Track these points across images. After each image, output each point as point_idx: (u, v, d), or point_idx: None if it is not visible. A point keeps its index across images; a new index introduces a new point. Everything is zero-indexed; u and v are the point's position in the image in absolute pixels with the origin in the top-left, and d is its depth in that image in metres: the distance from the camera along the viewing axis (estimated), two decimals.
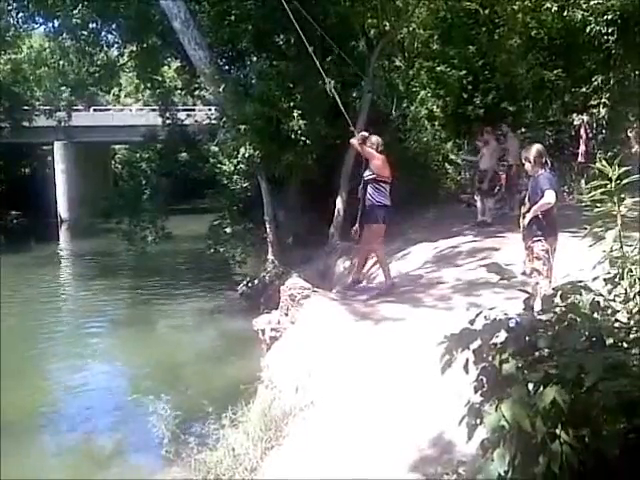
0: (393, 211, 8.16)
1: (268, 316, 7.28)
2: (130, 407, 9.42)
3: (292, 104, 13.35)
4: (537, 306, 2.60)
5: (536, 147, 5.97)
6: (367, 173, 7.72)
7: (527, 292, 2.67)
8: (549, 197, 5.56)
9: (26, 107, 30.66)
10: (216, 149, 17.33)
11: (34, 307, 16.26)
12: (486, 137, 12.27)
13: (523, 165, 6.07)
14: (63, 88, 24.94)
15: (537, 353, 2.37)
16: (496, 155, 12.10)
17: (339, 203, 14.06)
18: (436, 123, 18.34)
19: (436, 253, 9.73)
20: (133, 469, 7.97)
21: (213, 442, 4.48)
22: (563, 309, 2.52)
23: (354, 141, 7.84)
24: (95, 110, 33.19)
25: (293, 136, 13.19)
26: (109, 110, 35.84)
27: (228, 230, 15.78)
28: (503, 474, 2.24)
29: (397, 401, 4.38)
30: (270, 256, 14.29)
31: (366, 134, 7.99)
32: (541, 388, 2.22)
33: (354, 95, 16.06)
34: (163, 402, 4.38)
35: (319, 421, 4.36)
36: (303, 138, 13.17)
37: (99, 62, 18.69)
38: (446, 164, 19.20)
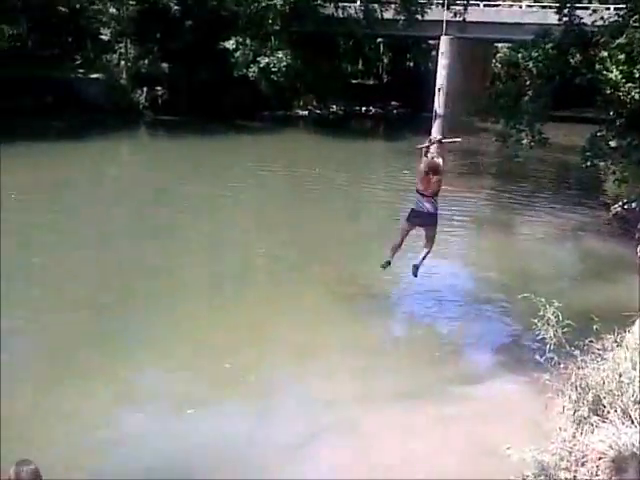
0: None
1: None
2: (478, 304, 9.51)
3: None
4: None
5: None
6: None
7: None
8: None
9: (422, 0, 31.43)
10: (605, 54, 15.46)
11: (384, 193, 17.17)
12: None
13: None
14: None
15: None
16: None
17: None
18: None
19: None
20: (473, 364, 8.05)
21: (591, 360, 4.20)
22: None
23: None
24: (485, 5, 32.45)
25: None
26: (499, 6, 34.70)
27: (612, 144, 14.37)
28: None
29: None
30: None
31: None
32: None
33: None
34: (554, 307, 4.17)
35: None
36: None
37: None
38: None
